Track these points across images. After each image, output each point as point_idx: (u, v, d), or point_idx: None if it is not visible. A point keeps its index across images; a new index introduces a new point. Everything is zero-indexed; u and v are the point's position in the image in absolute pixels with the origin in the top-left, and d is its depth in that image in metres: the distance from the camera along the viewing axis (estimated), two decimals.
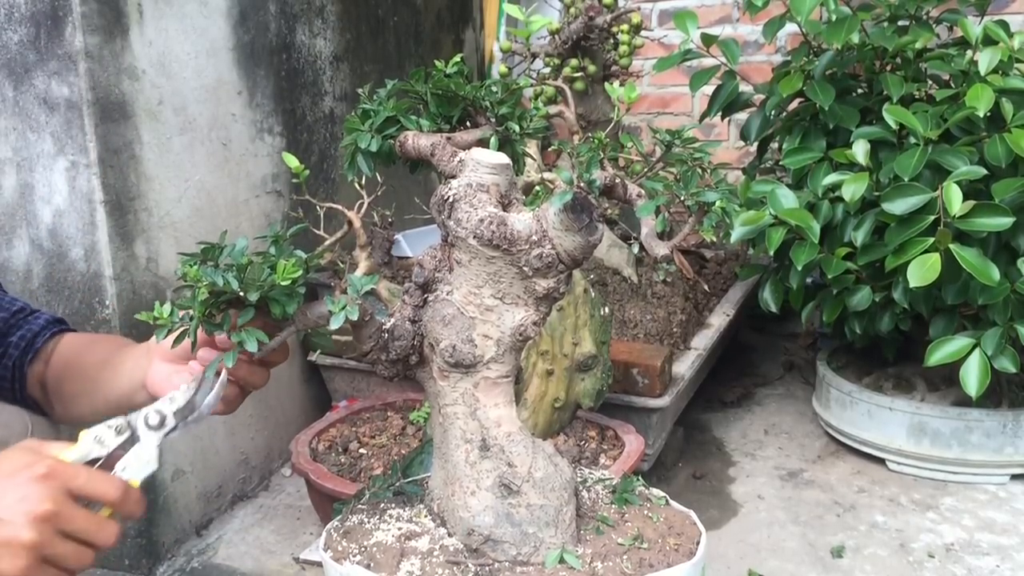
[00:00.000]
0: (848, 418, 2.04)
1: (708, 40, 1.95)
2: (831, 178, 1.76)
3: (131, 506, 0.83)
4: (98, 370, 1.08)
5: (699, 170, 1.00)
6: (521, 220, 0.90)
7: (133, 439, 0.87)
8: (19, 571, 0.76)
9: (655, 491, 1.07)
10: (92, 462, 0.85)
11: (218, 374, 0.90)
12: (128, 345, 1.10)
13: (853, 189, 1.68)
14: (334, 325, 0.89)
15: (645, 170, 1.11)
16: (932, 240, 1.61)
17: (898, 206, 1.63)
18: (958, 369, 1.66)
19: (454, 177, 0.94)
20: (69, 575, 0.80)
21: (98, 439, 0.85)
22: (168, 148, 1.68)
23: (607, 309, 1.72)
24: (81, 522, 0.79)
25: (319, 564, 1.48)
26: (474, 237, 0.90)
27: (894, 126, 1.72)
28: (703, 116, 2.10)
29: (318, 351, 2.09)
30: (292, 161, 1.05)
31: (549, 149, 2.07)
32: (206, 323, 0.87)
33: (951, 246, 1.59)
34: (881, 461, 2.01)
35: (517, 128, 1.00)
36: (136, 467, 0.86)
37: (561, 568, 0.91)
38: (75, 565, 0.80)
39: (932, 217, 1.61)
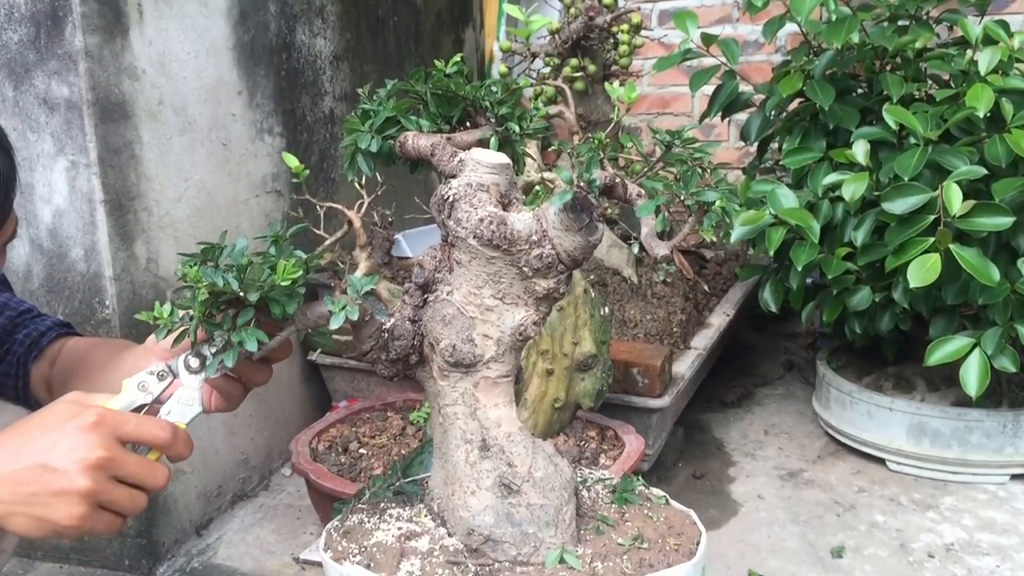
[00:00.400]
0: (848, 418, 2.04)
1: (708, 40, 1.95)
2: (831, 178, 1.76)
3: (180, 447, 0.84)
4: (100, 371, 1.09)
5: (699, 170, 1.00)
6: (521, 220, 0.90)
7: (175, 384, 0.89)
8: (76, 519, 0.78)
9: (655, 491, 1.07)
10: (137, 409, 0.86)
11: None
12: (129, 347, 1.10)
13: (853, 189, 1.68)
14: (334, 325, 0.89)
15: (645, 170, 1.11)
16: (932, 240, 1.61)
17: (898, 206, 1.63)
18: (958, 369, 1.66)
19: (454, 177, 0.94)
20: (124, 518, 0.82)
21: (142, 386, 0.87)
22: (168, 148, 1.68)
23: (607, 309, 1.72)
24: (133, 467, 0.81)
25: (319, 564, 1.48)
26: (474, 237, 0.90)
27: (894, 126, 1.72)
28: (703, 116, 2.10)
29: (318, 351, 2.09)
30: (292, 161, 1.05)
31: (549, 149, 2.07)
32: (206, 323, 0.87)
33: (951, 246, 1.59)
34: (881, 461, 2.01)
35: (517, 128, 1.00)
36: (180, 410, 0.88)
37: (561, 568, 0.91)
38: (130, 509, 0.81)
39: (932, 217, 1.61)
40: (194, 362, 0.89)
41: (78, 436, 0.79)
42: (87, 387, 1.09)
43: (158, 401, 0.88)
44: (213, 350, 0.88)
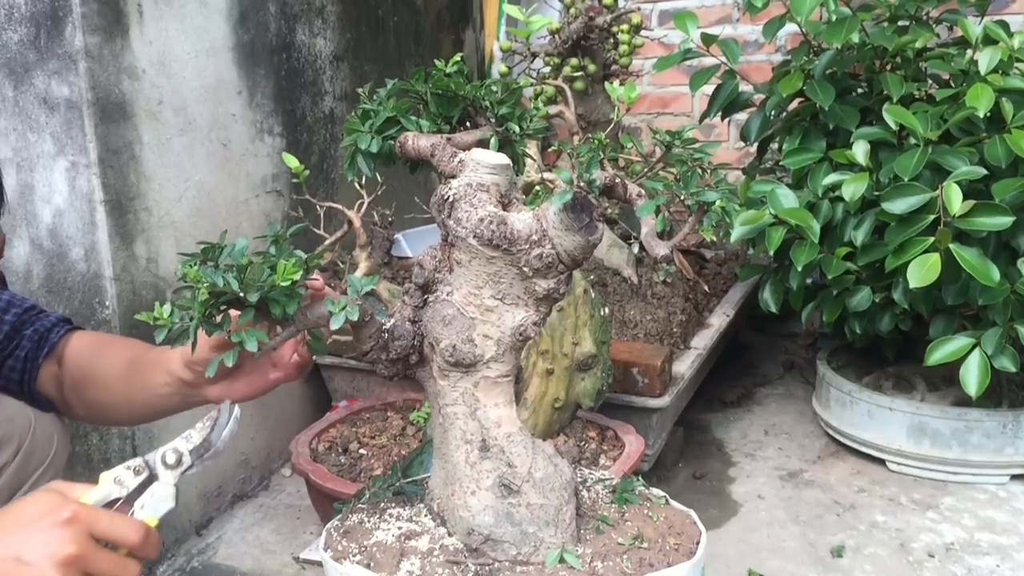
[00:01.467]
0: (848, 418, 2.04)
1: (708, 40, 1.95)
2: (831, 178, 1.76)
3: (149, 549, 0.85)
4: (120, 383, 1.11)
5: (699, 170, 1.00)
6: (521, 220, 0.90)
7: (152, 478, 0.89)
8: None
9: (655, 491, 1.07)
10: (112, 502, 0.87)
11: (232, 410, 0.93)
12: (136, 362, 1.11)
13: (853, 189, 1.68)
14: (334, 325, 0.89)
15: (645, 170, 1.11)
16: (932, 240, 1.61)
17: (898, 206, 1.63)
18: (958, 369, 1.66)
19: (454, 177, 0.94)
20: None
21: (117, 480, 0.87)
22: (168, 148, 1.68)
23: (607, 309, 1.72)
24: (104, 564, 0.82)
25: (319, 564, 1.48)
26: (474, 237, 0.90)
27: (894, 126, 1.72)
28: (703, 116, 2.10)
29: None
30: (292, 161, 1.05)
31: (549, 149, 2.07)
32: (206, 324, 0.87)
33: (951, 246, 1.59)
34: (881, 461, 2.01)
35: (517, 128, 1.00)
36: (153, 505, 0.88)
37: (561, 568, 0.91)
38: None
39: (932, 217, 1.61)
40: (171, 458, 0.89)
41: (52, 531, 0.80)
42: (113, 398, 1.13)
43: (134, 495, 0.88)
44: (190, 446, 0.90)
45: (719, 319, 2.23)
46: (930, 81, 1.90)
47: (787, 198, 1.76)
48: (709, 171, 1.01)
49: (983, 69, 1.69)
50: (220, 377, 1.01)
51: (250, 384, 1.04)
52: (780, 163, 1.99)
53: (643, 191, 1.00)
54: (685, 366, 1.96)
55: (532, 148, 1.78)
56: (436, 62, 1.01)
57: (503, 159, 0.94)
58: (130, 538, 0.83)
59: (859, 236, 1.72)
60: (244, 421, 1.96)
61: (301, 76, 2.07)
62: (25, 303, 1.19)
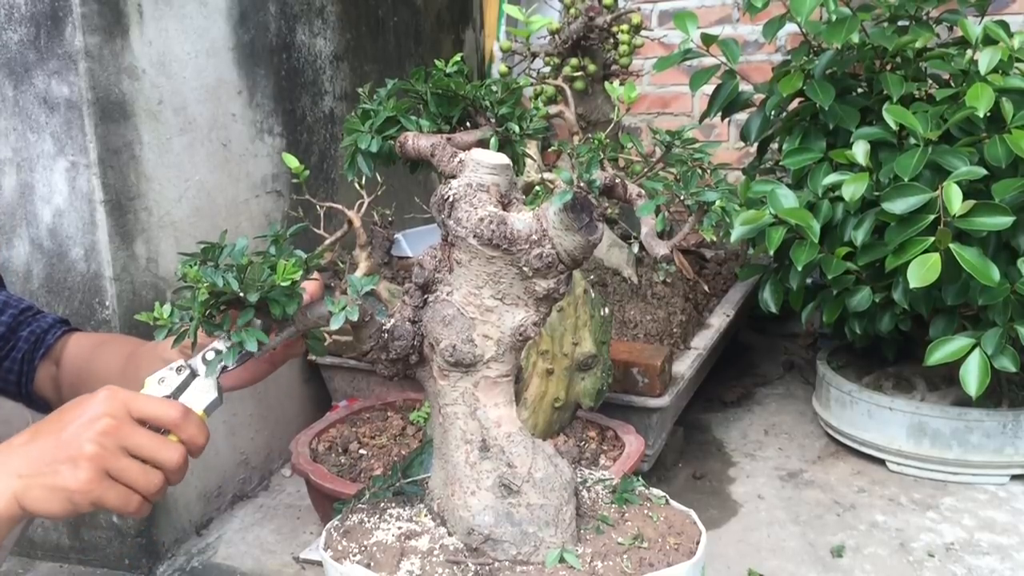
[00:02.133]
0: (848, 418, 2.04)
1: (708, 40, 1.95)
2: (831, 178, 1.76)
3: (192, 429, 0.85)
4: (117, 379, 1.11)
5: (699, 170, 1.00)
6: (521, 220, 0.90)
7: (193, 376, 0.91)
8: (84, 483, 0.79)
9: (655, 491, 1.07)
10: None
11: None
12: (136, 352, 1.10)
13: (853, 189, 1.68)
14: (334, 325, 0.89)
15: (645, 170, 1.11)
16: (932, 240, 1.61)
17: (898, 206, 1.63)
18: (958, 369, 1.66)
19: (454, 177, 0.94)
20: (140, 498, 0.82)
21: (162, 380, 0.89)
22: (168, 148, 1.68)
23: (607, 309, 1.72)
24: (142, 438, 0.82)
25: (319, 563, 1.48)
26: (474, 236, 0.90)
27: (894, 126, 1.72)
28: (703, 116, 2.10)
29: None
30: (292, 161, 1.05)
31: (549, 149, 2.07)
32: (206, 324, 0.87)
33: (951, 246, 1.59)
34: (881, 461, 2.01)
35: (517, 128, 1.00)
36: (196, 396, 0.90)
37: (561, 567, 0.91)
38: (142, 484, 0.82)
39: (932, 217, 1.61)
40: (211, 355, 0.90)
41: (90, 408, 0.81)
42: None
43: (178, 393, 0.90)
44: (228, 344, 0.90)
45: (719, 319, 2.23)
46: (930, 81, 1.90)
47: (787, 198, 1.76)
48: (709, 171, 1.01)
49: (983, 69, 1.69)
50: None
51: (246, 369, 1.04)
52: (780, 163, 1.99)
53: (643, 191, 1.00)
54: (685, 366, 1.96)
55: (532, 148, 1.78)
56: (436, 62, 1.01)
57: (503, 159, 0.94)
58: (169, 414, 0.83)
59: (859, 236, 1.72)
60: (244, 421, 1.98)
61: (301, 76, 2.07)
62: (22, 304, 1.19)
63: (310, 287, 0.92)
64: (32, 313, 1.19)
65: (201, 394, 0.90)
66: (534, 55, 2.19)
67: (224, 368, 0.90)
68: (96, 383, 1.12)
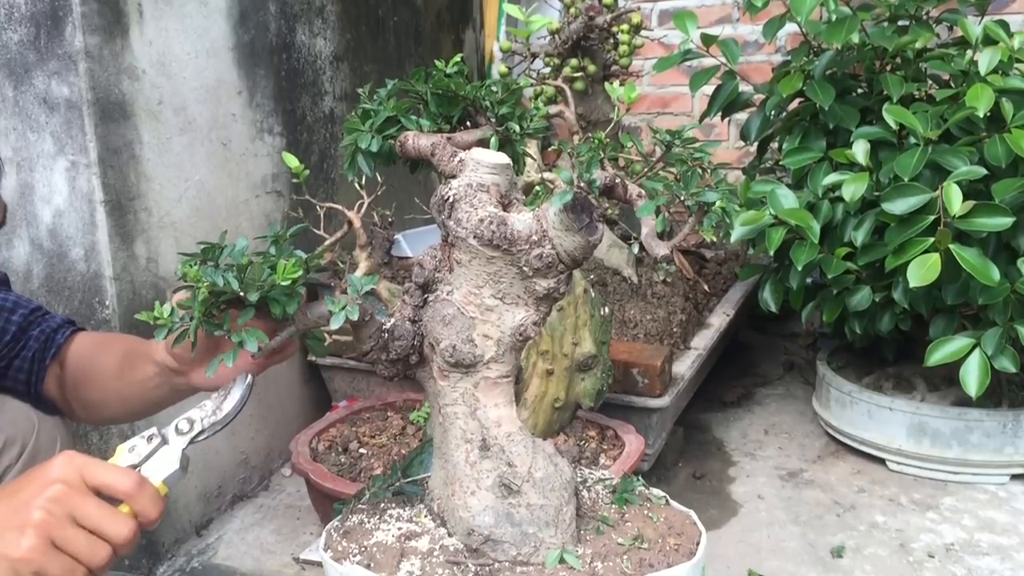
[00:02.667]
0: (848, 418, 2.04)
1: (708, 40, 1.95)
2: (831, 178, 1.76)
3: (145, 501, 0.83)
4: (114, 380, 1.11)
5: (699, 170, 1.00)
6: (521, 220, 0.90)
7: (164, 444, 0.89)
8: (26, 551, 0.76)
9: (655, 491, 1.07)
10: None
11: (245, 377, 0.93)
12: (128, 355, 1.10)
13: (853, 189, 1.68)
14: (334, 325, 0.89)
15: (645, 170, 1.11)
16: (932, 240, 1.61)
17: (898, 206, 1.63)
18: (958, 369, 1.66)
19: (454, 177, 0.94)
20: (86, 570, 0.80)
21: (132, 449, 0.88)
22: (168, 148, 1.68)
23: (607, 309, 1.72)
24: (91, 508, 0.79)
25: (319, 564, 1.48)
26: (474, 237, 0.90)
27: (894, 126, 1.72)
28: (703, 116, 2.10)
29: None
30: (292, 161, 1.05)
31: (549, 149, 2.07)
32: (206, 323, 0.87)
33: (951, 246, 1.59)
34: (881, 461, 2.01)
35: (517, 128, 1.00)
36: (158, 467, 0.88)
37: (561, 568, 0.91)
38: (86, 556, 0.79)
39: (932, 217, 1.61)
40: (184, 426, 0.90)
41: (45, 473, 0.79)
42: (104, 395, 1.12)
43: (145, 462, 0.88)
44: (203, 415, 0.90)
45: (719, 319, 2.23)
46: (930, 81, 1.90)
47: (787, 198, 1.76)
48: (709, 171, 1.01)
49: (983, 69, 1.69)
50: (203, 361, 0.98)
51: (236, 368, 1.03)
52: (780, 163, 1.99)
53: (643, 191, 1.00)
54: (685, 366, 1.96)
55: (532, 148, 1.78)
56: (436, 62, 1.01)
57: (503, 159, 0.94)
58: (122, 484, 0.81)
59: (859, 236, 1.72)
60: (244, 421, 1.97)
61: (301, 76, 2.07)
62: (31, 304, 1.19)
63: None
64: (41, 313, 1.19)
65: (163, 464, 0.88)
66: (534, 55, 2.19)
67: (194, 439, 0.90)
68: (94, 385, 1.12)
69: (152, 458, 0.88)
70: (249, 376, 0.93)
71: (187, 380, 1.03)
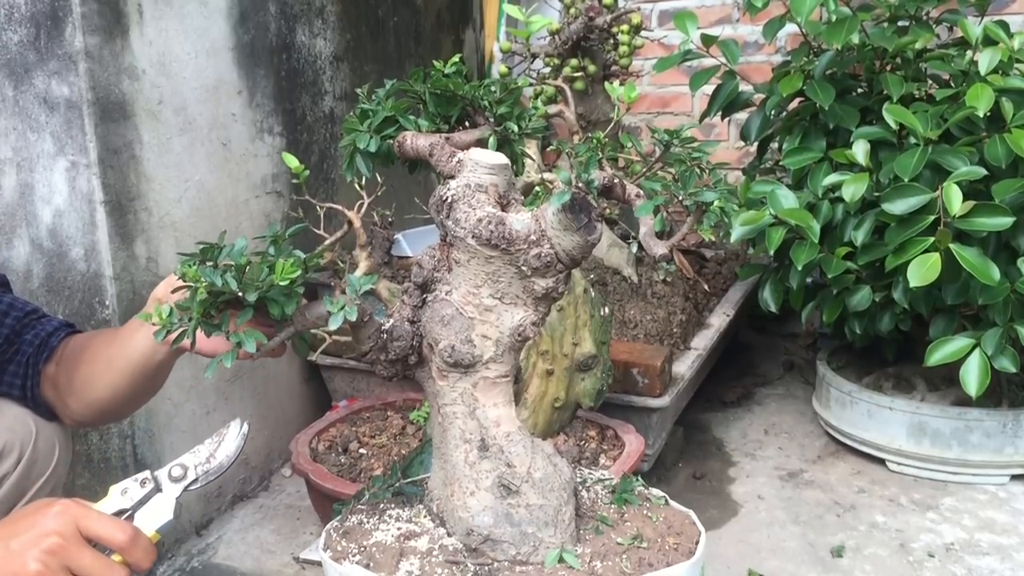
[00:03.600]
0: (848, 418, 2.04)
1: (708, 40, 1.95)
2: (831, 178, 1.76)
3: (139, 554, 0.84)
4: (107, 344, 1.11)
5: (698, 170, 1.00)
6: (520, 220, 0.90)
7: (156, 491, 0.90)
8: None
9: (655, 491, 1.07)
10: (118, 514, 0.87)
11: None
12: (124, 326, 1.11)
13: (853, 189, 1.68)
14: (333, 325, 0.89)
15: (644, 170, 1.11)
16: (932, 240, 1.61)
17: (898, 206, 1.63)
18: (958, 369, 1.66)
19: (453, 177, 0.94)
20: None
21: (124, 492, 0.88)
22: (168, 148, 1.68)
23: (607, 309, 1.72)
24: (87, 559, 0.81)
25: (319, 564, 1.48)
26: (472, 237, 0.90)
27: (894, 126, 1.72)
28: (703, 116, 2.10)
29: (319, 350, 2.09)
30: (292, 161, 1.05)
31: (548, 149, 2.07)
32: (205, 323, 0.87)
33: (951, 246, 1.59)
34: (881, 461, 2.01)
35: (516, 128, 1.00)
36: (152, 516, 0.89)
37: (560, 567, 0.91)
38: None
39: (932, 217, 1.61)
40: (177, 472, 0.90)
41: (40, 522, 0.80)
42: (95, 366, 1.11)
43: (139, 507, 0.89)
44: (196, 461, 0.91)
45: (719, 319, 2.23)
46: (930, 81, 1.90)
47: (787, 198, 1.76)
48: (707, 171, 1.01)
49: (983, 69, 1.69)
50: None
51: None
52: (780, 163, 1.99)
53: (642, 191, 1.00)
54: (685, 366, 1.96)
55: (531, 148, 1.78)
56: (435, 62, 1.01)
57: (502, 159, 0.94)
58: (116, 537, 0.82)
59: (859, 236, 1.72)
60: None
61: (301, 76, 2.07)
62: (27, 307, 1.19)
63: None
64: (37, 317, 1.19)
65: (157, 513, 0.89)
66: (534, 55, 2.19)
67: (188, 487, 0.90)
68: (86, 359, 1.11)
69: (145, 505, 0.88)
70: (245, 425, 0.93)
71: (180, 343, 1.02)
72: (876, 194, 1.68)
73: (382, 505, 1.04)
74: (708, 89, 2.06)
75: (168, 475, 0.90)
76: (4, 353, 1.14)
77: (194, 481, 0.91)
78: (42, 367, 1.15)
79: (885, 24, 1.92)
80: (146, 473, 0.89)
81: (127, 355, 1.09)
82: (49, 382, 1.16)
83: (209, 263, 0.86)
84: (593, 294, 1.68)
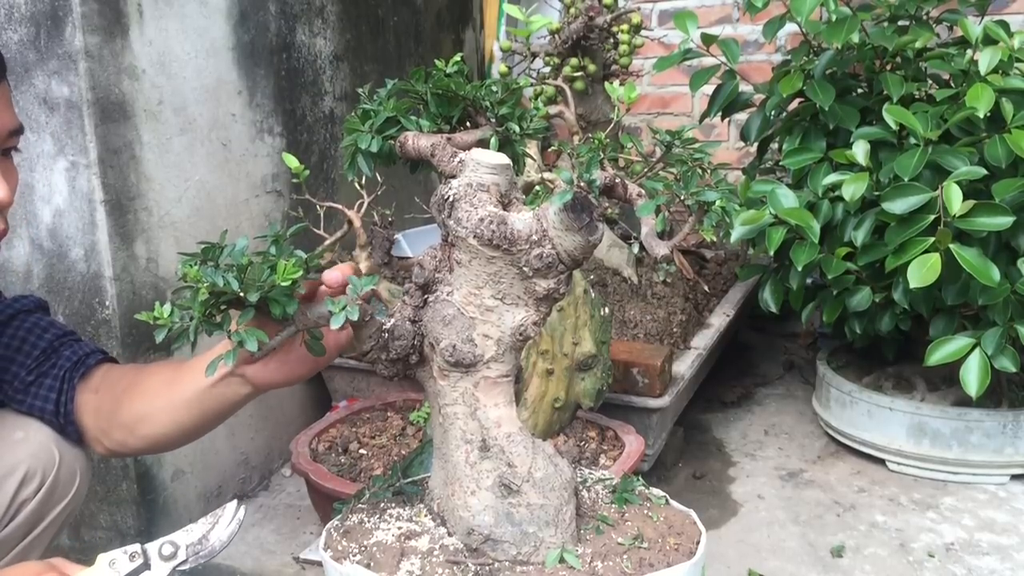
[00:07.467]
0: (848, 418, 2.04)
1: (708, 40, 1.95)
2: (831, 178, 1.76)
3: None
4: (164, 385, 1.07)
5: (699, 170, 1.00)
6: (521, 220, 0.90)
7: (145, 566, 0.88)
8: None
9: (655, 491, 1.07)
10: None
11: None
12: (187, 361, 1.07)
13: (853, 189, 1.68)
14: (334, 325, 0.88)
15: (645, 170, 1.11)
16: (932, 240, 1.61)
17: (898, 206, 1.63)
18: (958, 369, 1.66)
19: (454, 177, 0.94)
20: None
21: (112, 564, 0.87)
22: (168, 148, 1.68)
23: (607, 309, 1.72)
24: None
25: (319, 564, 1.48)
26: (474, 237, 0.90)
27: (894, 126, 1.72)
28: (703, 116, 2.10)
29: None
30: (292, 161, 1.05)
31: (549, 149, 2.07)
32: (206, 323, 0.87)
33: (951, 246, 1.59)
34: (881, 461, 2.01)
35: (517, 128, 1.00)
36: None
37: (561, 567, 0.91)
38: None
39: (932, 217, 1.61)
40: (167, 550, 0.89)
41: None
42: (147, 406, 1.07)
43: None
44: (188, 541, 0.90)
45: (719, 319, 2.23)
46: (930, 81, 1.90)
47: (787, 198, 1.76)
48: (709, 171, 1.01)
49: (983, 69, 1.69)
50: (266, 360, 0.96)
51: (294, 366, 0.99)
52: (780, 163, 1.99)
53: (643, 191, 1.00)
54: (685, 366, 1.96)
55: (532, 148, 1.78)
56: (436, 62, 1.01)
57: (503, 159, 0.94)
58: None
59: (859, 236, 1.72)
60: (244, 421, 1.97)
61: (301, 76, 2.07)
62: (65, 328, 1.19)
63: (344, 269, 0.89)
64: (75, 338, 1.19)
65: None
66: (534, 55, 2.19)
67: (177, 567, 0.89)
68: (141, 394, 1.07)
69: None
70: (241, 509, 0.92)
71: (247, 377, 0.99)
72: (876, 194, 1.69)
73: (382, 505, 1.04)
74: (708, 89, 2.06)
75: (159, 552, 0.89)
76: (42, 365, 1.14)
77: (184, 562, 0.90)
78: (77, 383, 1.13)
79: (885, 24, 1.92)
80: (136, 546, 0.89)
81: (192, 401, 1.04)
82: (90, 410, 1.13)
83: (210, 263, 0.86)
84: (593, 294, 1.68)
